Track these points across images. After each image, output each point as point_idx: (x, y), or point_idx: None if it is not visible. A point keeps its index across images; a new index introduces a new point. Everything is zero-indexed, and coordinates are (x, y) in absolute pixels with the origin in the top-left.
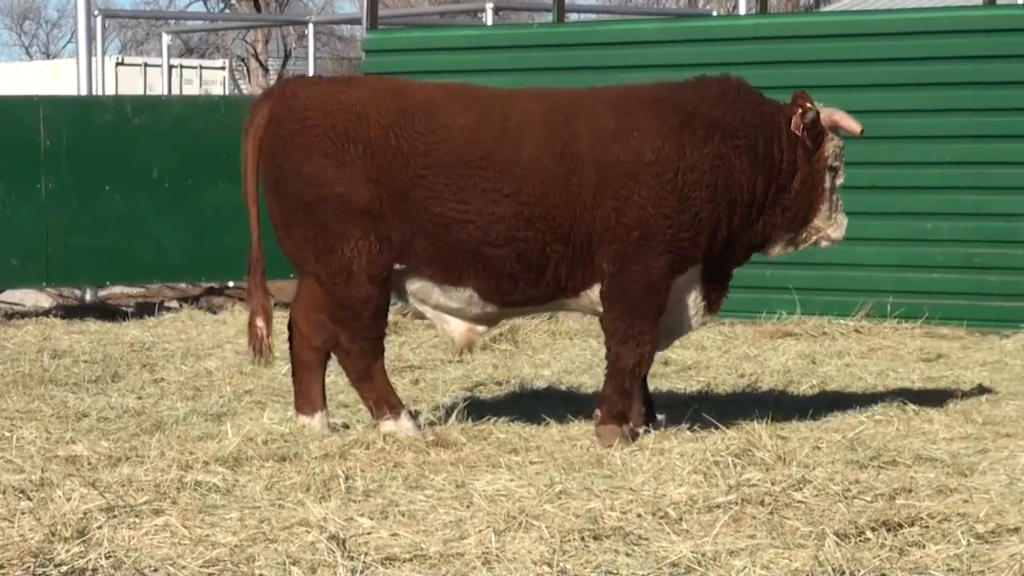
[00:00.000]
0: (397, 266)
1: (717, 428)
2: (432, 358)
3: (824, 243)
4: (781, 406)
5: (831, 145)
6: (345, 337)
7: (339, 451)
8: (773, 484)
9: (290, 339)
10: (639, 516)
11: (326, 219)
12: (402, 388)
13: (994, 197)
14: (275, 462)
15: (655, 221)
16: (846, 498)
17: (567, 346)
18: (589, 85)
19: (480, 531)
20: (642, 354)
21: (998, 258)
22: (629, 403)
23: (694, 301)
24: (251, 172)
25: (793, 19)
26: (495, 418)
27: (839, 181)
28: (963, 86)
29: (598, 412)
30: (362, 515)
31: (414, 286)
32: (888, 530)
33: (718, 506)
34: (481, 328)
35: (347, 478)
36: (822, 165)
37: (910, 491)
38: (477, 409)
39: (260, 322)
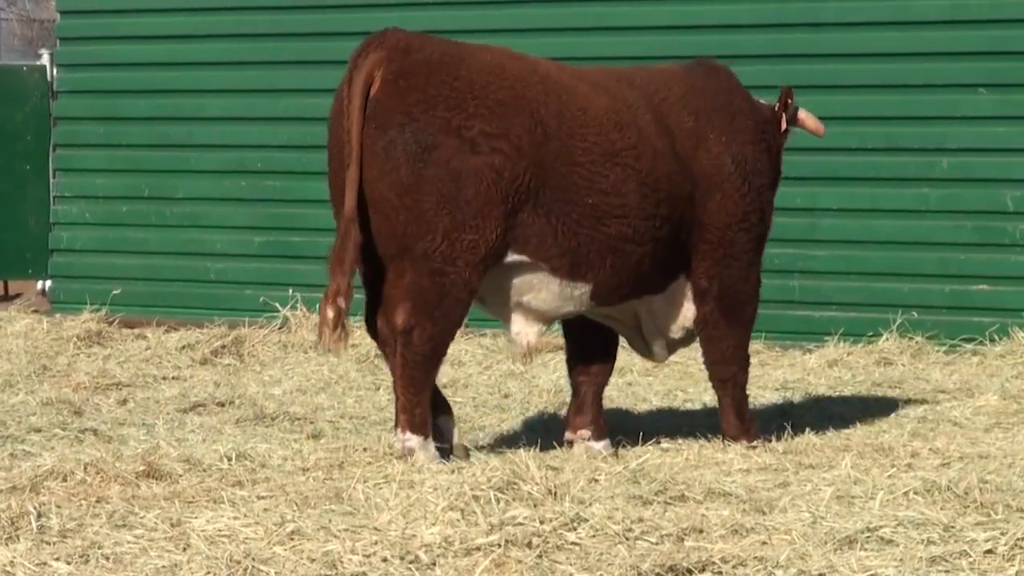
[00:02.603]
0: (514, 257)
1: (477, 457)
2: (143, 374)
3: None
4: (551, 432)
5: None
6: (422, 332)
7: (30, 483)
8: (542, 523)
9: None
10: (385, 560)
11: (471, 194)
12: (107, 409)
13: (791, 189)
14: None
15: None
16: (627, 539)
17: (301, 361)
18: None
19: None
20: (748, 366)
21: (799, 260)
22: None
23: None
24: (359, 134)
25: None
26: (216, 445)
27: None
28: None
29: (745, 443)
30: (57, 559)
31: (519, 279)
32: None
33: (477, 548)
34: (544, 329)
35: (39, 515)
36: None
37: (701, 531)
38: (195, 434)
39: (342, 302)
